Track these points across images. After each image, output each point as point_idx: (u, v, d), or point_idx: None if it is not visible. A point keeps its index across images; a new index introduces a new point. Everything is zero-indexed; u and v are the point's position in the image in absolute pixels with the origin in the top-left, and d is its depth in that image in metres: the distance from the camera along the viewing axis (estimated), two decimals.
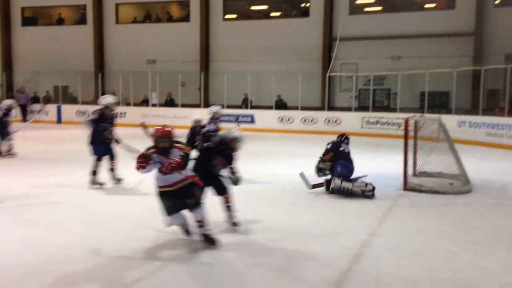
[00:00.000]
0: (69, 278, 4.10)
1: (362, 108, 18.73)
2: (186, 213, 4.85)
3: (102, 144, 7.71)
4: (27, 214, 6.11)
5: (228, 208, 5.40)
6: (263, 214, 6.07)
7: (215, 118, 9.40)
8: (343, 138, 7.62)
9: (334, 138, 7.84)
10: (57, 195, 7.12)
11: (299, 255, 4.65)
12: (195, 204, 4.64)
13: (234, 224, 5.43)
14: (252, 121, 18.30)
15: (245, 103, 19.58)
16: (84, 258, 4.54)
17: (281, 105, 19.06)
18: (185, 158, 4.62)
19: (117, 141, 7.58)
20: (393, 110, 17.77)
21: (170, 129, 4.65)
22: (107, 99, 7.98)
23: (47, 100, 20.24)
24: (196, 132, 9.60)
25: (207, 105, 20.96)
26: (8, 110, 11.24)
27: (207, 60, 22.22)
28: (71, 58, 22.82)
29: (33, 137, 14.66)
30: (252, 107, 19.17)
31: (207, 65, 22.16)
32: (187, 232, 4.97)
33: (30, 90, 21.88)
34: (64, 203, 6.73)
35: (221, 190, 5.33)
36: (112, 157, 7.91)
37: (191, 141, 9.74)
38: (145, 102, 20.84)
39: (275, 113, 18.26)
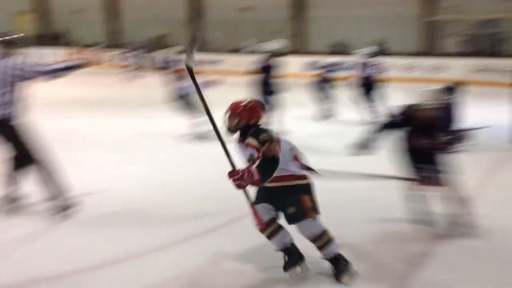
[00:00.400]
0: (170, 211, 4.52)
1: (469, 54, 17.28)
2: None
3: (269, 94, 7.07)
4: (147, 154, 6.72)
5: (456, 199, 3.85)
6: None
7: (371, 61, 8.35)
8: (452, 87, 7.09)
9: (437, 87, 7.31)
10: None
11: (398, 207, 4.53)
12: (294, 215, 3.17)
13: (465, 226, 3.83)
14: (345, 69, 17.69)
15: (338, 50, 18.88)
16: (184, 196, 4.94)
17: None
18: (264, 165, 2.97)
19: (281, 92, 7.08)
20: (506, 56, 16.24)
21: (240, 104, 3.19)
22: (272, 45, 7.26)
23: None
24: (325, 81, 8.92)
25: (300, 52, 20.70)
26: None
27: (301, 6, 21.69)
28: (170, 7, 23.50)
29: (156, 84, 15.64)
30: (346, 54, 18.51)
31: (301, 12, 21.66)
32: (291, 262, 3.27)
33: (137, 39, 22.71)
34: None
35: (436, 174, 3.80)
36: (275, 108, 7.17)
37: (322, 92, 8.95)
38: (236, 51, 20.98)
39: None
